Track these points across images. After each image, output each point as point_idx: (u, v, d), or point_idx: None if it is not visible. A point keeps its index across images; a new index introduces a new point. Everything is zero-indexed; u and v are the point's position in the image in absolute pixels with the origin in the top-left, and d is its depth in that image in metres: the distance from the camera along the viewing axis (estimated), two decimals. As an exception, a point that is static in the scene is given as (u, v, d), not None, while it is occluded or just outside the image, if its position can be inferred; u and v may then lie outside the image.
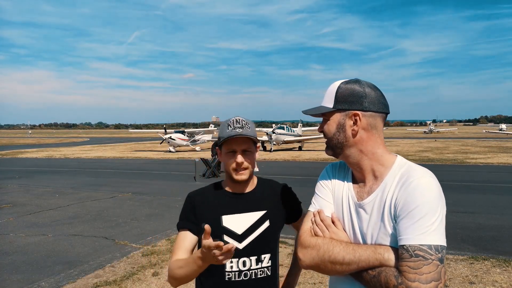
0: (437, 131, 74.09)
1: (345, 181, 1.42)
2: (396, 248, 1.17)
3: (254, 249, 1.64)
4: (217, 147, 1.73)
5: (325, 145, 1.43)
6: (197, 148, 33.55)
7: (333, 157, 1.39)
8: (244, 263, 1.62)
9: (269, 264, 1.68)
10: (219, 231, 1.58)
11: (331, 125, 1.35)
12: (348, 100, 1.32)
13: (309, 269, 1.35)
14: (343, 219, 1.37)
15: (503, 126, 70.62)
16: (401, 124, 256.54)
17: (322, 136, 1.41)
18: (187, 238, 1.63)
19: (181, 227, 1.67)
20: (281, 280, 1.89)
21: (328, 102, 1.35)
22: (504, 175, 14.65)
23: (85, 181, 14.36)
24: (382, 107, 1.32)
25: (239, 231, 1.63)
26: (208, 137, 37.64)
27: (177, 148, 32.55)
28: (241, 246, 1.62)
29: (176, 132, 33.22)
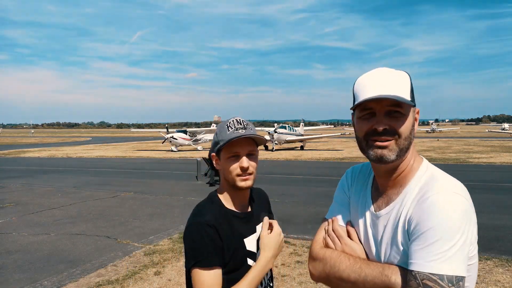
0: (440, 130, 73.87)
1: (365, 188, 1.26)
2: (407, 269, 1.04)
3: None
4: (213, 153, 1.51)
5: (377, 147, 1.11)
6: (199, 147, 33.57)
7: (386, 164, 1.12)
8: (261, 283, 1.51)
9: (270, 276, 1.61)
10: (244, 256, 1.46)
11: (410, 122, 1.12)
12: (413, 93, 1.13)
13: (320, 283, 1.26)
14: (359, 229, 1.23)
15: (506, 125, 70.39)
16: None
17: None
18: (218, 282, 1.36)
19: (210, 265, 1.35)
20: (284, 280, 1.87)
21: (402, 92, 1.09)
22: (506, 174, 14.61)
23: (87, 181, 14.39)
24: None
25: (256, 250, 1.51)
26: (210, 136, 37.65)
27: (179, 148, 32.58)
28: None
29: (178, 131, 33.27)
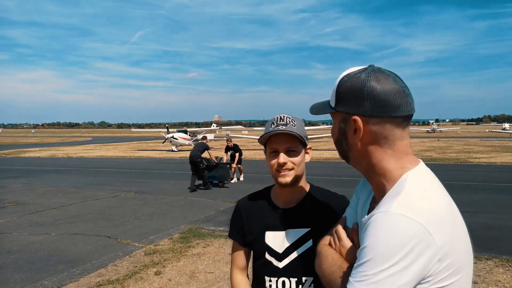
0: (440, 130, 73.85)
1: (370, 192, 1.19)
2: None
3: (294, 270, 1.49)
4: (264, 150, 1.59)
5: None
6: (199, 147, 33.57)
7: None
8: (283, 284, 1.50)
9: None
10: (262, 248, 1.52)
11: (334, 128, 1.08)
12: (346, 99, 1.00)
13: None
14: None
15: (506, 125, 70.33)
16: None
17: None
18: (241, 255, 1.62)
19: (231, 236, 1.65)
20: None
21: (332, 98, 1.06)
22: (507, 174, 14.58)
23: (88, 180, 14.39)
24: (392, 109, 0.95)
25: (280, 249, 1.51)
26: (210, 136, 37.66)
27: (180, 148, 32.61)
28: (281, 265, 1.50)
29: (178, 131, 33.28)
